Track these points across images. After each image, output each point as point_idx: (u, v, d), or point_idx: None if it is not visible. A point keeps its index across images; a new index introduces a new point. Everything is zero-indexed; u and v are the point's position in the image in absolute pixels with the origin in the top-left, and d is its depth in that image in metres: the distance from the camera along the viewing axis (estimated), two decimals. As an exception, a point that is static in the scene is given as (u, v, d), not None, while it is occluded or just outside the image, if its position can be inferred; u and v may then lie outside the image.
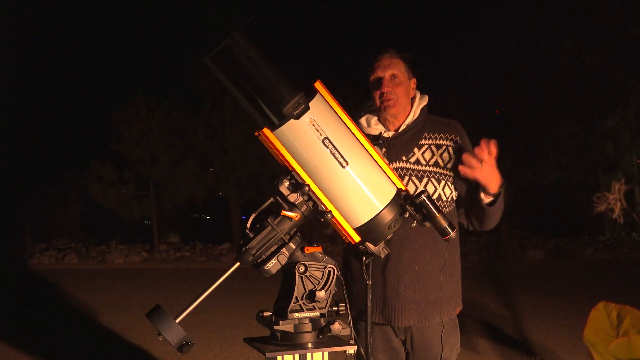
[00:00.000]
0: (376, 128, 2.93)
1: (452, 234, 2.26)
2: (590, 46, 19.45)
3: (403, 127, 2.91)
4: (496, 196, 2.74)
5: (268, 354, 2.17)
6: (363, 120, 2.95)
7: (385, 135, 2.91)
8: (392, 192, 2.21)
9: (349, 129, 2.19)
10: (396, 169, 2.86)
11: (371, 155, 2.21)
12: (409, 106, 2.93)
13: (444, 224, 2.23)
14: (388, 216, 2.18)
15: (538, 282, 12.25)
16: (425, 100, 2.97)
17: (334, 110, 2.17)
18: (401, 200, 2.21)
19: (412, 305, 2.84)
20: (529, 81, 19.96)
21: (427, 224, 2.23)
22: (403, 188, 2.25)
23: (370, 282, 2.30)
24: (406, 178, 2.85)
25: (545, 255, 16.37)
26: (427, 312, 2.85)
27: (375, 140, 2.92)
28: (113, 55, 28.10)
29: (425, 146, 2.89)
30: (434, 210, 2.21)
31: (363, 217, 2.18)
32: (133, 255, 17.49)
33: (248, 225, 2.14)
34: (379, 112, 2.93)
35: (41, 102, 21.30)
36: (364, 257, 2.27)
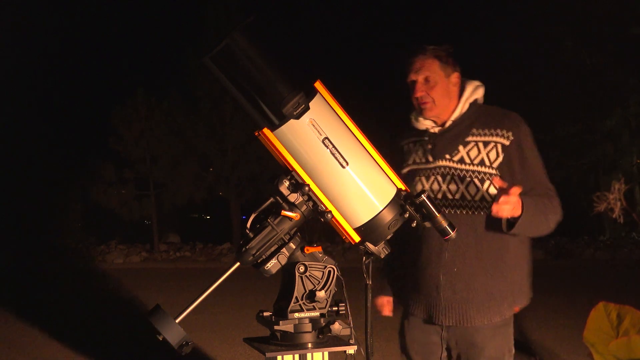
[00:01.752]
0: (424, 123, 2.87)
1: (452, 234, 2.25)
2: (590, 46, 19.45)
3: (449, 123, 2.83)
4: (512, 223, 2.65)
5: (268, 354, 2.17)
6: (413, 116, 2.90)
7: (432, 131, 2.86)
8: (392, 192, 2.21)
9: (349, 129, 2.19)
10: (439, 168, 2.81)
11: (371, 155, 2.21)
12: (454, 101, 2.83)
13: (444, 224, 2.23)
14: (388, 216, 2.18)
15: (538, 282, 12.16)
16: (478, 93, 2.86)
17: (334, 110, 2.17)
18: (401, 200, 2.21)
19: (452, 305, 2.80)
20: (529, 81, 19.95)
21: (427, 223, 2.23)
22: (403, 188, 2.25)
23: (370, 282, 2.30)
24: (448, 177, 2.78)
25: (545, 255, 16.36)
26: (469, 314, 2.80)
27: (421, 135, 2.90)
28: (113, 55, 28.10)
29: (472, 143, 2.79)
30: (433, 210, 2.21)
31: (363, 217, 2.18)
32: (133, 255, 17.48)
33: (248, 225, 2.14)
34: (419, 113, 2.87)
35: (41, 102, 21.30)
36: (364, 257, 2.27)
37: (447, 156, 2.81)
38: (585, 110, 19.63)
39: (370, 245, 2.20)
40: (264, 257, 2.15)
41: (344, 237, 2.23)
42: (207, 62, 2.03)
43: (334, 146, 2.11)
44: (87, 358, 6.98)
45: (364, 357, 2.30)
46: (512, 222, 2.65)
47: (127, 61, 27.17)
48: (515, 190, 2.54)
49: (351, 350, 2.22)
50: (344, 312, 2.25)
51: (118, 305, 9.79)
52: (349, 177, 2.14)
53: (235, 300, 9.26)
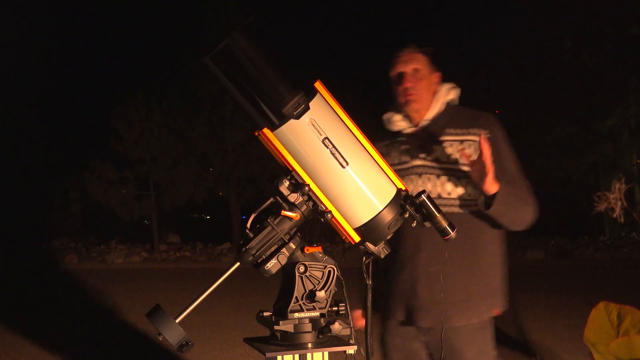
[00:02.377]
0: (398, 124, 2.88)
1: (452, 234, 2.25)
2: (590, 46, 19.46)
3: (423, 122, 2.84)
4: (489, 199, 2.66)
5: (268, 354, 2.16)
6: (385, 117, 2.90)
7: (407, 131, 2.87)
8: (392, 192, 2.21)
9: (349, 129, 2.19)
10: (415, 167, 2.82)
11: (371, 155, 2.21)
12: (431, 100, 2.85)
13: (444, 223, 2.23)
14: (388, 216, 2.18)
15: (538, 282, 12.24)
16: (452, 94, 2.89)
17: (334, 110, 2.17)
18: (401, 200, 2.21)
19: (430, 307, 2.78)
20: (529, 81, 19.97)
21: (427, 224, 2.23)
22: (403, 188, 2.25)
23: (370, 282, 2.29)
24: (424, 177, 2.80)
25: (545, 255, 16.37)
26: (447, 314, 2.78)
27: (396, 136, 2.91)
28: (113, 55, 28.11)
29: (447, 143, 2.81)
30: (434, 210, 2.20)
31: (363, 217, 2.18)
32: (133, 255, 17.49)
33: (248, 225, 2.13)
34: (402, 108, 2.87)
35: (41, 102, 21.30)
36: (364, 257, 2.26)
37: (422, 155, 2.82)
38: (585, 110, 19.64)
39: (370, 245, 2.20)
40: (264, 257, 2.15)
41: (344, 237, 2.22)
42: (207, 62, 2.02)
43: (334, 146, 2.11)
44: (87, 358, 6.98)
45: (364, 357, 2.30)
46: (489, 203, 2.66)
47: (127, 61, 27.18)
48: (488, 153, 2.55)
49: (351, 350, 2.22)
50: (344, 312, 2.24)
51: (118, 305, 9.79)
52: (349, 177, 2.14)
53: (235, 300, 9.26)
